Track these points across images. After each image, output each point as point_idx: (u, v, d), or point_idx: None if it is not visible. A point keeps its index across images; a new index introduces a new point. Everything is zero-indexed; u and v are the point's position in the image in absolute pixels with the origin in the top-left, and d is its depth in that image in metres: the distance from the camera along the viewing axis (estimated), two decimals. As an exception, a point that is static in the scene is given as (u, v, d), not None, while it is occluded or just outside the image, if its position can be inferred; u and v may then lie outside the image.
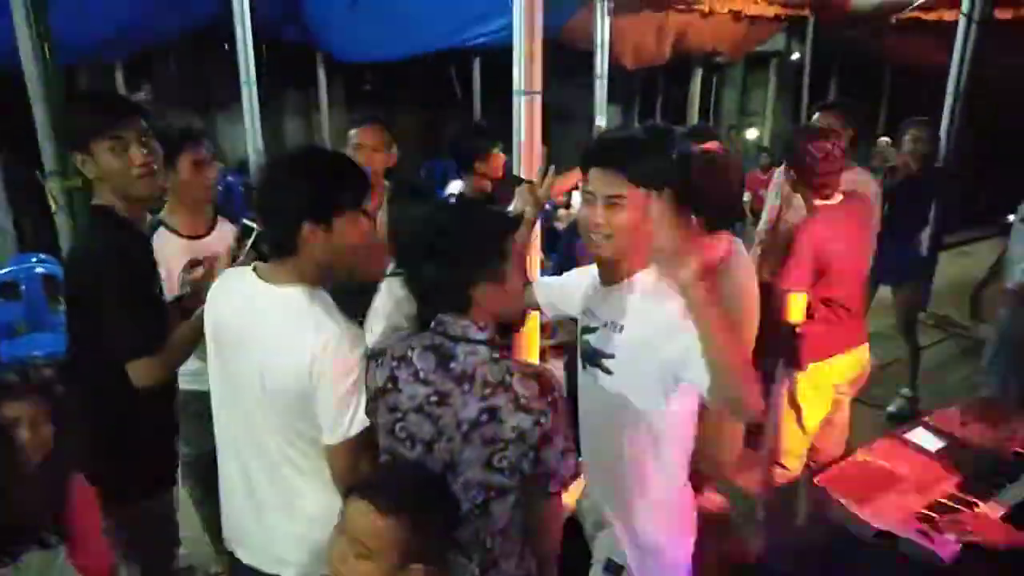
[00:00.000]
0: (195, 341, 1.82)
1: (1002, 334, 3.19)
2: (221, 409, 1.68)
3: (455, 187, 6.17)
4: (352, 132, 3.06)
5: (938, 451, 2.34)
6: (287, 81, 8.61)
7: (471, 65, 8.88)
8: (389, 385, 1.50)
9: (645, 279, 1.64)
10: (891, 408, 4.16)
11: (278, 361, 1.50)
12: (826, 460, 2.81)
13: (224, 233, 2.41)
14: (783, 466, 2.76)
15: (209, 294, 1.68)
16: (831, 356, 2.66)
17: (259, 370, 1.52)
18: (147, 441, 2.00)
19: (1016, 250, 3.21)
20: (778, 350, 2.68)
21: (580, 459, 1.56)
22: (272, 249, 1.58)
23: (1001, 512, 2.07)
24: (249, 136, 6.32)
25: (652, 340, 1.57)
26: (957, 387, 4.23)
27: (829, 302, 2.63)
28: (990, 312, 3.37)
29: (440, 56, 8.03)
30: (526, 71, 3.19)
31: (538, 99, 3.30)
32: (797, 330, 2.60)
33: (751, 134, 11.39)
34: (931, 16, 7.46)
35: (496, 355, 1.47)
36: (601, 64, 7.47)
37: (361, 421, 1.52)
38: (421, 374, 1.48)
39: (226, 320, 1.62)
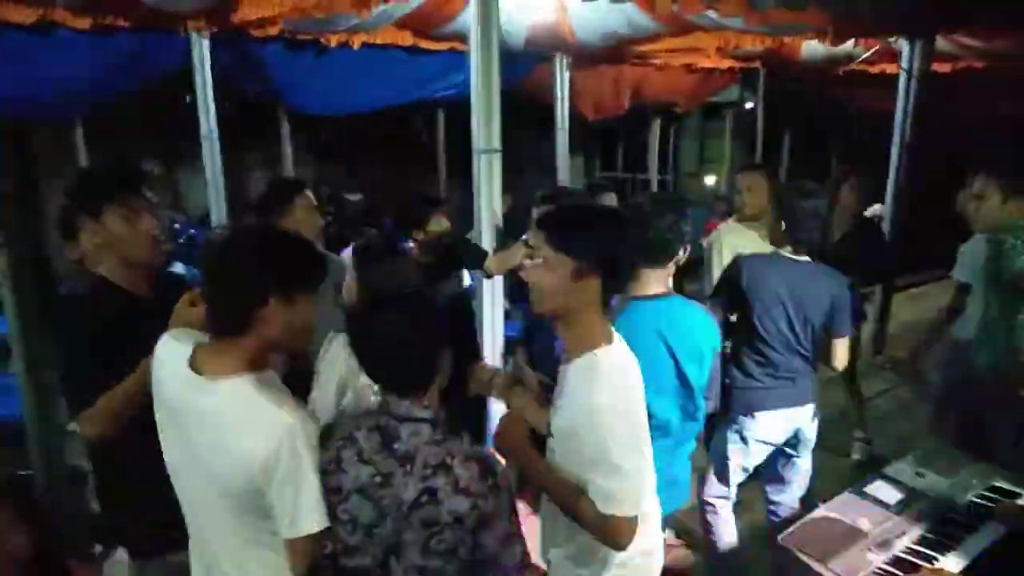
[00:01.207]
0: (139, 394, 1.74)
1: (948, 384, 3.25)
2: (177, 474, 1.60)
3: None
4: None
5: (897, 504, 2.37)
6: (250, 134, 8.62)
7: (436, 116, 9.00)
8: (332, 466, 1.48)
9: (584, 362, 1.66)
10: (855, 456, 4.21)
11: (227, 462, 1.43)
12: (785, 514, 2.84)
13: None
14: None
15: (154, 360, 1.60)
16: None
17: (206, 471, 1.46)
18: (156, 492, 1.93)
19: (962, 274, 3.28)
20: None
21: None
22: (219, 328, 1.51)
23: (961, 566, 2.09)
24: (211, 190, 6.31)
25: (577, 430, 1.60)
26: (915, 432, 4.29)
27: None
28: (930, 364, 3.46)
29: (405, 107, 8.14)
30: (484, 130, 3.27)
31: (497, 157, 3.37)
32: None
33: (709, 181, 11.67)
34: (875, 69, 7.76)
35: (439, 436, 1.47)
36: (561, 117, 7.65)
37: (320, 519, 1.45)
38: (365, 454, 1.47)
39: (167, 409, 1.55)
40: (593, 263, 1.63)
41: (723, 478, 2.89)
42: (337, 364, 1.99)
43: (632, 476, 1.56)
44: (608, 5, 4.75)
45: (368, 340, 1.53)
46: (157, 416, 1.60)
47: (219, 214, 6.45)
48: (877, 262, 4.27)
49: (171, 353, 1.56)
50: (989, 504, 2.36)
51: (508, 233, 8.52)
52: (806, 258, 2.71)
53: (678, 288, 2.39)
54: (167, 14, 4.84)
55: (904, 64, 5.49)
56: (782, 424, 2.78)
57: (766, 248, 2.85)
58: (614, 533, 1.56)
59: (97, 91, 6.09)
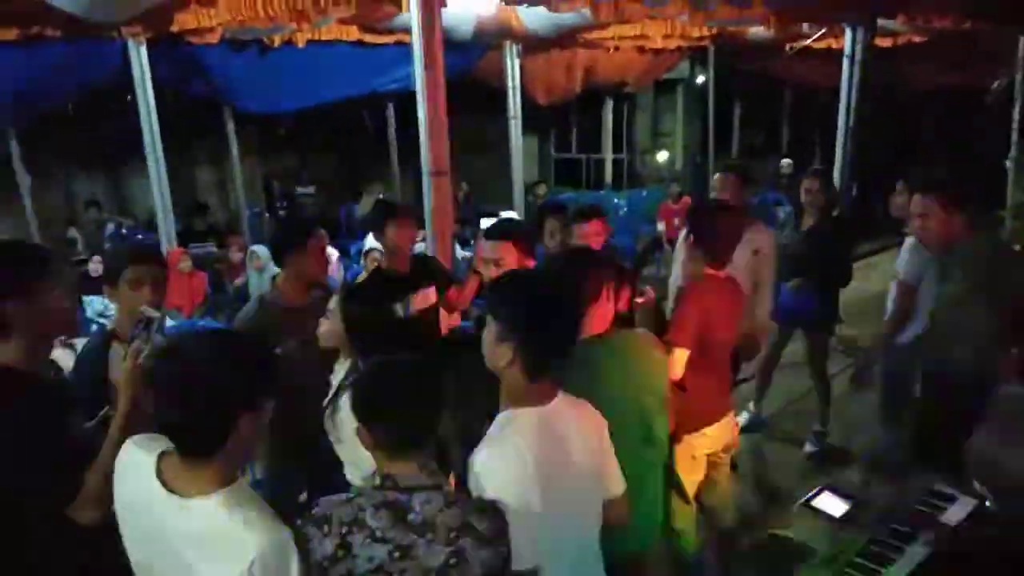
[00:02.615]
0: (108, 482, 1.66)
1: (884, 380, 3.35)
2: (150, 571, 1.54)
3: (370, 241, 6.16)
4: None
5: (842, 516, 2.46)
6: (195, 134, 8.43)
7: (385, 109, 8.88)
8: (340, 553, 1.46)
9: (498, 418, 1.72)
10: (808, 448, 4.34)
11: None
12: (722, 522, 2.93)
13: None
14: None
15: (116, 472, 1.54)
16: (703, 427, 2.77)
17: None
18: None
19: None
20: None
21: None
22: (193, 449, 1.41)
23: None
24: (155, 193, 6.17)
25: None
26: (866, 416, 4.44)
27: (702, 371, 2.74)
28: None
29: (354, 100, 8.02)
30: (432, 153, 3.25)
31: (446, 178, 3.36)
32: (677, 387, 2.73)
33: (662, 157, 11.76)
34: (821, 44, 7.86)
35: (450, 498, 1.52)
36: (514, 104, 7.61)
37: None
38: (378, 533, 1.47)
39: (134, 518, 1.50)
40: (511, 331, 1.67)
41: (682, 496, 2.97)
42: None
43: None
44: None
45: (375, 405, 1.57)
46: (119, 514, 1.53)
47: (165, 216, 6.32)
48: (833, 263, 4.35)
49: (135, 463, 1.48)
50: (930, 510, 2.48)
51: (467, 222, 8.45)
52: (725, 273, 2.77)
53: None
54: (99, 24, 4.68)
55: (847, 50, 5.58)
56: (721, 435, 2.88)
57: None
58: None
59: (31, 99, 5.90)
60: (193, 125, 8.05)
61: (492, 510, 1.53)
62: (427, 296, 3.21)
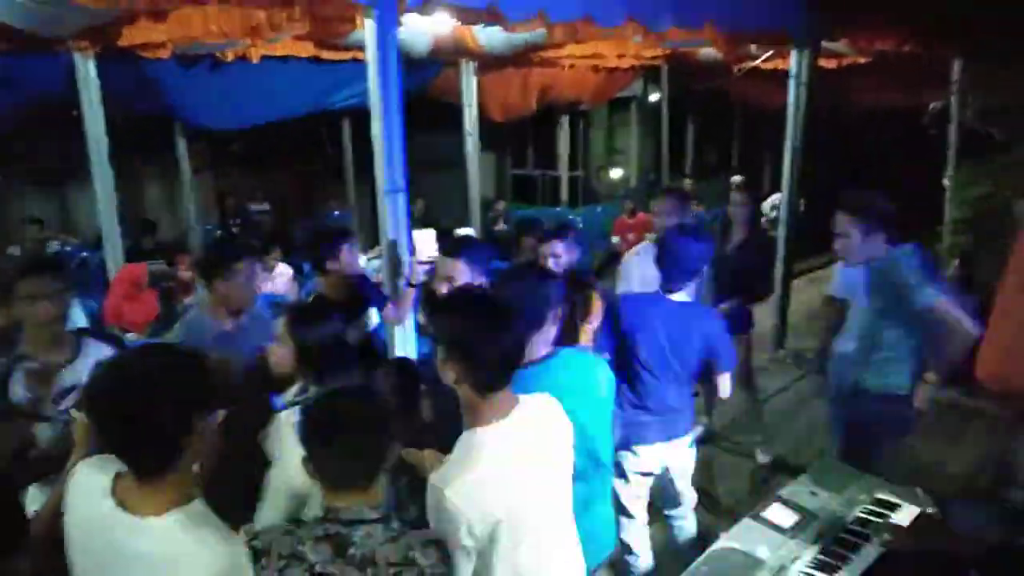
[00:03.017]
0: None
1: (835, 397, 3.44)
2: None
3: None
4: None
5: (792, 527, 2.52)
6: (144, 150, 8.26)
7: (342, 125, 8.85)
8: None
9: (460, 438, 1.75)
10: (760, 459, 4.42)
11: None
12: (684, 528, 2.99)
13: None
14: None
15: (67, 497, 1.50)
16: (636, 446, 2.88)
17: None
18: None
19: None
20: None
21: None
22: (145, 468, 1.39)
23: (849, 584, 2.26)
24: (102, 211, 6.02)
25: None
26: (814, 428, 4.56)
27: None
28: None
29: (310, 117, 7.97)
30: (388, 171, 3.26)
31: (403, 196, 3.37)
32: None
33: (616, 174, 11.91)
34: (769, 65, 8.09)
35: (394, 531, 1.50)
36: (470, 121, 7.65)
37: None
38: (318, 567, 1.45)
39: (84, 544, 1.46)
40: (452, 350, 1.70)
41: (623, 512, 3.02)
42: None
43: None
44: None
45: (322, 436, 1.54)
46: (69, 535, 1.49)
47: (111, 234, 6.16)
48: (759, 276, 4.50)
49: (89, 484, 1.46)
50: (875, 518, 2.56)
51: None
52: (685, 297, 2.84)
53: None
54: (45, 38, 4.58)
55: (793, 71, 5.76)
56: (658, 456, 2.93)
57: None
58: None
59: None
60: (142, 141, 7.90)
61: (437, 544, 1.52)
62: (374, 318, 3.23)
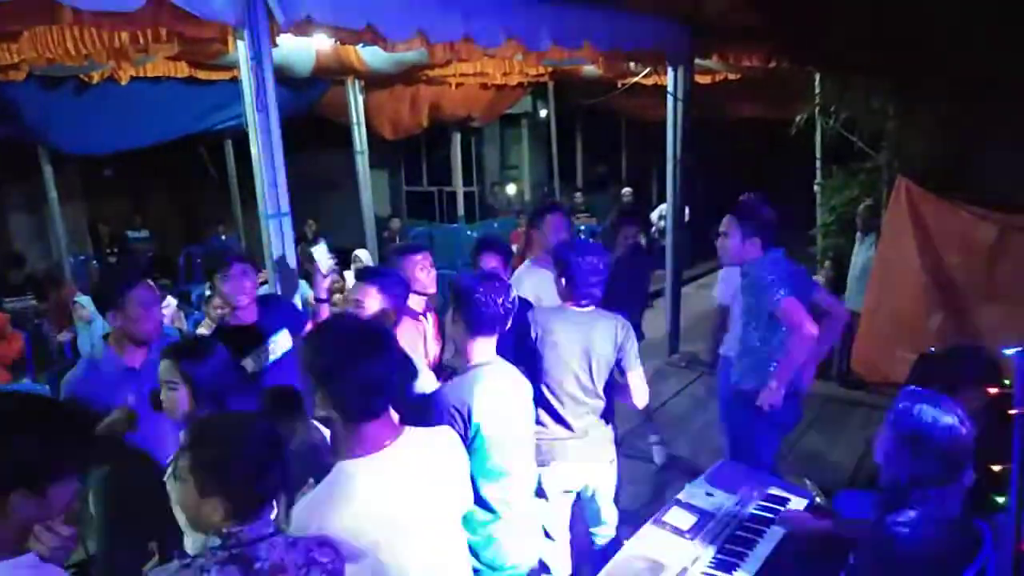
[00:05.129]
0: None
1: (721, 399, 3.58)
2: None
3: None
4: None
5: (691, 528, 2.59)
6: (7, 179, 7.67)
7: (224, 146, 8.52)
8: None
9: None
10: (657, 460, 4.53)
11: None
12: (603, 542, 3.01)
13: None
14: None
15: None
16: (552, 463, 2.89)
17: None
18: None
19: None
20: None
21: None
22: None
23: (749, 577, 2.34)
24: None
25: None
26: (709, 427, 4.72)
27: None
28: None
29: (190, 138, 7.62)
30: (270, 196, 3.15)
31: (287, 219, 3.26)
32: None
33: (511, 189, 12.06)
34: (648, 81, 8.40)
35: (290, 538, 1.53)
36: (360, 140, 7.55)
37: None
38: None
39: None
40: (315, 381, 1.70)
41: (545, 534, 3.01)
42: None
43: None
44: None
45: (223, 464, 1.51)
46: None
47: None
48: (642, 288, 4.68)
49: None
50: (767, 513, 2.66)
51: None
52: (589, 308, 2.88)
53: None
54: None
55: (670, 87, 6.00)
56: (577, 473, 2.95)
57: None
58: None
59: None
60: (4, 169, 7.33)
61: (327, 542, 1.57)
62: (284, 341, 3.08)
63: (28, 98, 5.85)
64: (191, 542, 2.06)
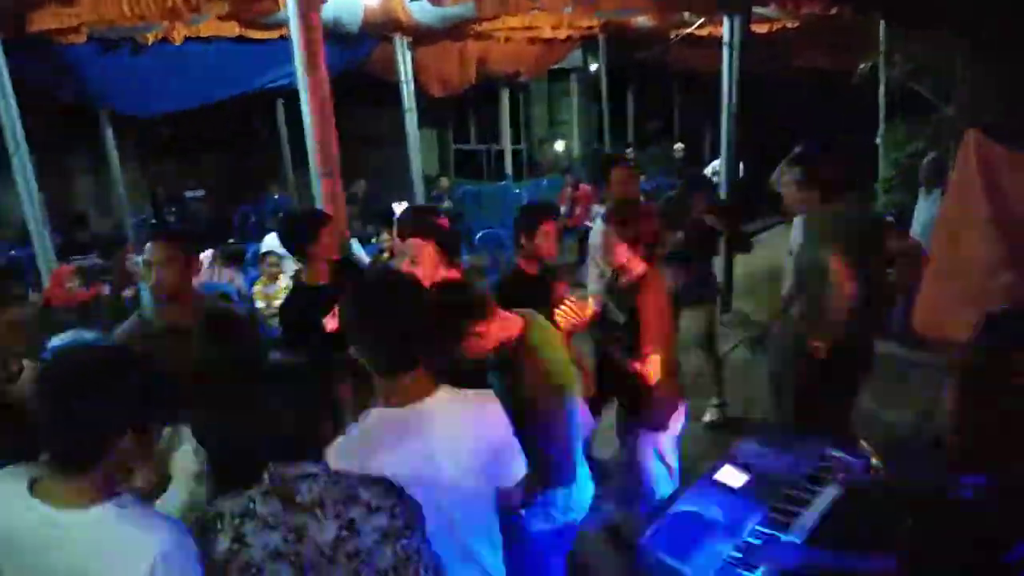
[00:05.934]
0: None
1: (778, 358, 3.51)
2: None
3: (267, 244, 5.91)
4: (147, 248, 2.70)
5: (742, 487, 2.57)
6: (70, 142, 7.89)
7: (275, 106, 8.59)
8: (235, 547, 1.47)
9: None
10: (706, 418, 4.50)
11: None
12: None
13: None
14: None
15: None
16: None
17: None
18: None
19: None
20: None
21: None
22: (68, 462, 1.42)
23: (800, 540, 2.32)
24: (26, 205, 5.72)
25: None
26: (761, 388, 4.64)
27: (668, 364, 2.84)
28: None
29: (242, 98, 7.70)
30: (320, 154, 3.17)
31: (337, 178, 3.28)
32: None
33: (559, 146, 11.90)
34: (703, 32, 8.13)
35: (335, 477, 1.54)
36: (408, 98, 7.52)
37: None
38: (270, 519, 1.48)
39: (6, 556, 1.43)
40: (348, 332, 1.80)
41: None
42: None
43: None
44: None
45: (253, 421, 1.55)
46: None
47: (39, 230, 5.87)
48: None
49: (3, 491, 1.45)
50: (822, 475, 2.62)
51: (366, 219, 8.27)
52: None
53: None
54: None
55: (725, 37, 5.79)
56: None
57: None
58: None
59: None
60: (68, 132, 7.55)
61: (380, 481, 1.55)
62: None
63: (89, 61, 5.99)
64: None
